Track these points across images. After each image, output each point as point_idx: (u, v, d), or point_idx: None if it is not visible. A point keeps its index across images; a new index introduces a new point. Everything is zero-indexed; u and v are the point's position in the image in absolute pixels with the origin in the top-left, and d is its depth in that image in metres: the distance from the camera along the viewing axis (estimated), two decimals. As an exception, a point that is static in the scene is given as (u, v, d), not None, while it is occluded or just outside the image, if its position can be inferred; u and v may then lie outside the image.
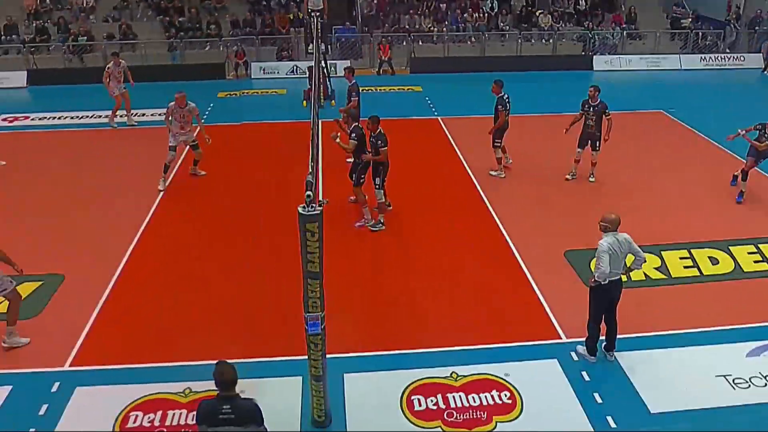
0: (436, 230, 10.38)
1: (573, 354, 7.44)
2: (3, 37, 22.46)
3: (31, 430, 6.33)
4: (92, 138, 15.25)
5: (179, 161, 12.99)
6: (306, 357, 5.98)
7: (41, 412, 6.55)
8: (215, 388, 5.02)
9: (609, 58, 22.78)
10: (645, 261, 7.18)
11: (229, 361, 6.61)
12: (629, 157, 13.42)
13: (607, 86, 20.15)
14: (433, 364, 7.21)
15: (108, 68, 15.91)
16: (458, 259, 9.55)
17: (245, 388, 6.75)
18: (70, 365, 7.29)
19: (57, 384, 6.95)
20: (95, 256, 9.55)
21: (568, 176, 12.26)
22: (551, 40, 23.36)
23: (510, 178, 12.49)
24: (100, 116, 16.71)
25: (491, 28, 23.80)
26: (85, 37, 22.19)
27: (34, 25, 22.82)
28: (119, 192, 11.83)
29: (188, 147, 12.52)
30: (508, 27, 23.93)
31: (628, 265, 7.07)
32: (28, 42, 22.01)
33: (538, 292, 8.67)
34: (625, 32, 23.48)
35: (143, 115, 16.71)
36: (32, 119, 16.72)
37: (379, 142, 10.01)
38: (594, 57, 22.71)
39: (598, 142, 11.80)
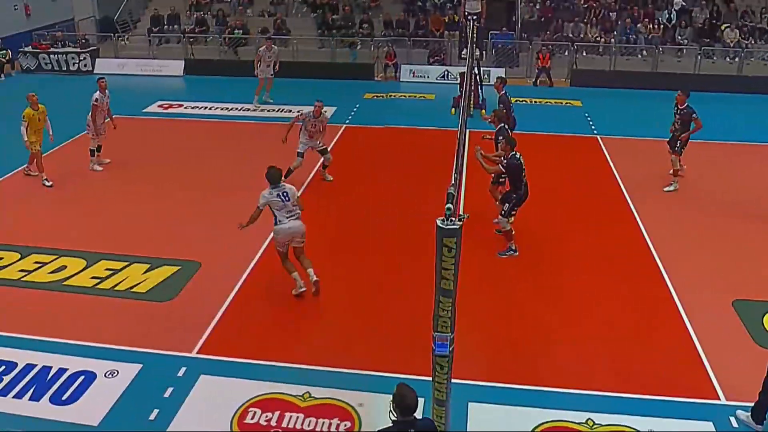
0: (583, 261, 10.00)
1: (732, 419, 6.86)
2: (165, 27, 24.67)
3: (155, 410, 6.86)
4: (240, 129, 16.33)
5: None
6: (430, 378, 5.98)
7: (166, 395, 7.07)
8: (398, 414, 5.03)
9: (805, 82, 20.87)
10: None
11: (351, 371, 6.78)
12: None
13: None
14: (567, 407, 6.93)
15: (259, 51, 17.14)
16: (606, 295, 9.14)
17: (364, 400, 6.96)
18: (198, 352, 7.81)
19: (183, 369, 7.48)
20: (232, 246, 10.17)
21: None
22: (737, 59, 21.79)
23: (679, 208, 11.79)
24: (248, 109, 17.85)
25: (666, 41, 22.63)
26: (241, 30, 23.80)
27: (195, 16, 24.86)
28: (260, 184, 12.49)
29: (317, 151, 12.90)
30: (686, 41, 22.65)
31: None
32: (188, 32, 23.99)
33: (697, 343, 8.08)
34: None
35: (290, 111, 17.60)
36: (185, 107, 18.22)
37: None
38: (789, 80, 20.92)
39: (676, 141, 12.49)
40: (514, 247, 10.12)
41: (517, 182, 9.83)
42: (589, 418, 6.79)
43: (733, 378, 7.42)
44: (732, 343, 8.11)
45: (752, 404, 6.78)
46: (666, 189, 12.62)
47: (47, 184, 12.60)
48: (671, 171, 12.67)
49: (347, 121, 16.60)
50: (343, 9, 24.54)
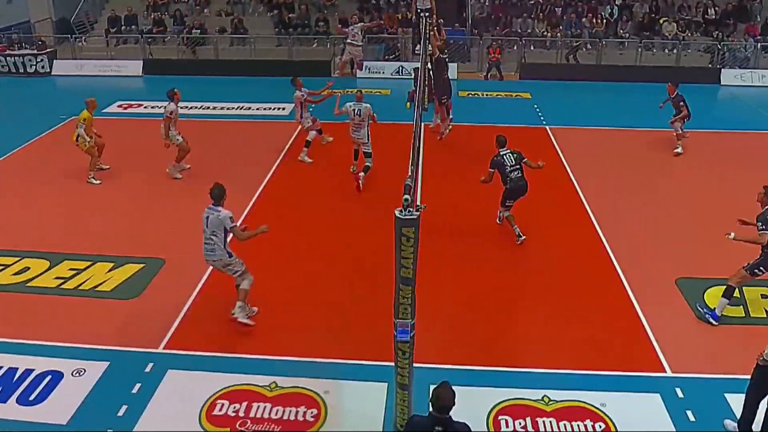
0: (536, 245, 10.14)
1: (678, 390, 7.06)
2: (123, 28, 24.12)
3: (123, 406, 6.73)
4: (200, 127, 16.04)
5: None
6: (393, 364, 6.01)
7: (134, 391, 6.95)
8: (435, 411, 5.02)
9: (740, 72, 21.47)
10: None
11: (317, 360, 6.78)
12: (754, 182, 12.56)
13: (736, 103, 19.24)
14: (524, 385, 7.05)
15: None
16: (559, 278, 9.30)
17: (329, 388, 6.95)
18: (164, 348, 7.70)
19: (151, 365, 7.35)
20: (196, 242, 9.96)
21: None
22: (675, 51, 22.31)
23: (622, 193, 12.04)
24: (208, 107, 17.57)
25: (609, 35, 23.04)
26: (199, 30, 23.42)
27: (152, 16, 24.36)
28: (222, 181, 12.33)
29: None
30: (628, 35, 23.08)
31: None
32: (146, 33, 23.51)
33: (644, 320, 8.29)
34: (759, 45, 22.05)
35: (249, 109, 17.42)
36: (145, 107, 17.83)
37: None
38: (723, 70, 21.49)
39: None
40: (518, 232, 10.21)
41: (503, 177, 10.10)
42: (545, 395, 6.91)
43: (677, 351, 7.64)
44: (676, 318, 8.34)
45: (697, 375, 6.97)
46: (675, 150, 14.13)
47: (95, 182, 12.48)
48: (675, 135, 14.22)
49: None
50: (299, 8, 24.33)
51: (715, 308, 8.25)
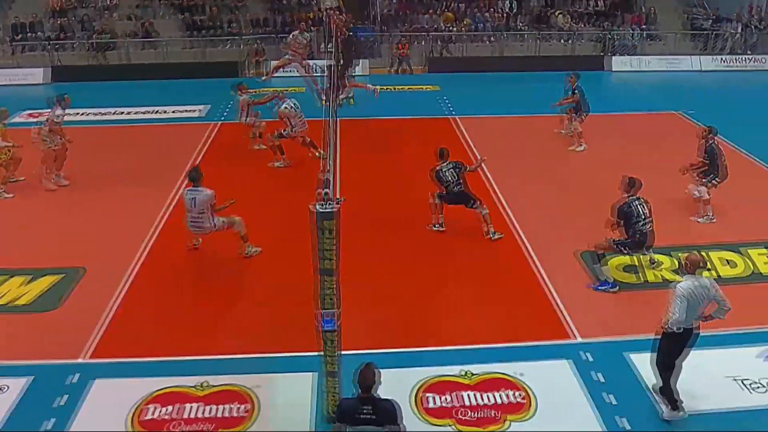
0: (449, 230, 10.34)
1: (586, 354, 7.39)
2: (28, 34, 22.80)
3: (51, 419, 6.42)
4: (112, 134, 15.42)
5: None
6: (318, 353, 6.00)
7: (60, 403, 6.63)
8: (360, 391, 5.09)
9: (627, 59, 22.60)
10: (730, 309, 6.27)
11: (247, 356, 6.70)
12: (642, 159, 13.30)
13: (625, 87, 20.24)
14: (446, 362, 7.20)
15: None
16: (473, 259, 9.53)
17: (260, 382, 6.88)
18: (89, 357, 7.38)
19: (77, 375, 7.02)
20: (117, 247, 9.67)
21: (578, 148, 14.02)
22: (569, 41, 23.19)
23: (524, 177, 12.44)
24: (121, 112, 16.89)
25: (509, 27, 23.69)
26: (108, 35, 22.45)
27: (58, 22, 23.14)
28: (138, 185, 11.95)
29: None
30: (525, 27, 23.80)
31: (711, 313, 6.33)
32: (52, 39, 22.31)
33: (550, 291, 8.63)
34: (643, 33, 23.24)
35: (164, 112, 16.86)
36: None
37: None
38: (612, 58, 22.54)
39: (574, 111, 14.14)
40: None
41: (445, 189, 9.94)
42: (466, 370, 7.09)
43: (583, 318, 8.01)
44: (580, 288, 8.73)
45: (602, 339, 7.32)
46: (578, 149, 13.96)
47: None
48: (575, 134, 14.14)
49: (222, 118, 16.12)
50: (209, 9, 23.71)
51: (604, 280, 8.70)
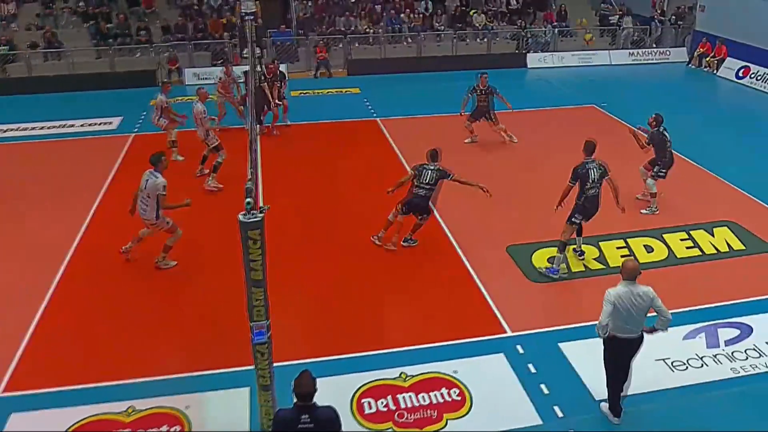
0: (375, 230, 10.38)
1: (518, 347, 7.60)
2: None
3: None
4: (16, 151, 14.63)
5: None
6: (252, 367, 5.90)
7: (-26, 442, 6.26)
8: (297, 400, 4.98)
9: (542, 55, 23.35)
10: (670, 320, 6.14)
11: (174, 376, 6.49)
12: (563, 152, 13.77)
13: (541, 83, 20.92)
14: (381, 366, 7.24)
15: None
16: (400, 259, 9.62)
17: (190, 403, 6.69)
18: (3, 391, 6.98)
19: (-9, 411, 6.64)
20: (28, 272, 9.20)
21: (467, 141, 14.52)
22: (486, 39, 23.77)
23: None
24: (25, 128, 16.06)
25: (427, 28, 24.04)
26: (7, 47, 21.30)
27: (-48, 34, 21.77)
28: (50, 206, 11.40)
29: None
30: (443, 27, 24.22)
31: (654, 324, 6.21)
32: (-56, 53, 20.98)
33: (481, 287, 8.82)
34: (556, 30, 24.11)
35: (72, 126, 16.14)
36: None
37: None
38: (528, 55, 23.24)
39: (489, 114, 14.34)
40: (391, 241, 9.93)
41: (412, 188, 9.75)
42: (402, 372, 7.15)
43: (514, 312, 8.24)
44: (510, 282, 8.96)
45: (533, 331, 7.52)
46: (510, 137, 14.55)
47: None
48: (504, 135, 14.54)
49: (135, 130, 15.59)
50: (117, 17, 22.86)
51: (553, 265, 9.05)
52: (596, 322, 6.12)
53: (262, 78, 14.79)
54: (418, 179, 9.68)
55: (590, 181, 8.86)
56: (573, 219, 9.03)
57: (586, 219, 9.17)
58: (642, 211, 10.95)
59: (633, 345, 6.17)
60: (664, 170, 10.99)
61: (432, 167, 9.73)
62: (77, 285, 9.02)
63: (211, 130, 12.26)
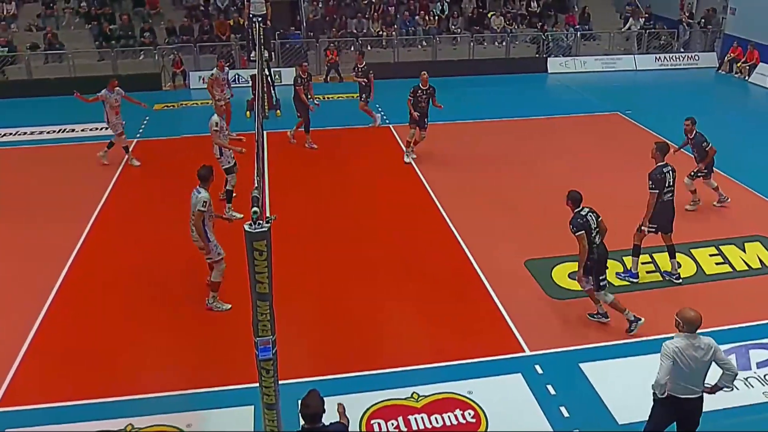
0: (390, 244, 10.40)
1: (537, 367, 7.55)
2: None
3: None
4: (15, 156, 14.81)
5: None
6: (257, 384, 5.90)
7: (-34, 460, 6.31)
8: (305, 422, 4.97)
9: (563, 59, 23.36)
10: (736, 375, 5.67)
11: (176, 393, 6.49)
12: (585, 161, 13.77)
13: (562, 89, 20.92)
14: (392, 385, 7.22)
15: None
16: (414, 274, 9.61)
17: (192, 421, 6.70)
18: (-2, 406, 7.04)
19: (-17, 427, 6.70)
20: (24, 285, 9.27)
21: (406, 159, 14.02)
22: (504, 43, 23.82)
23: (467, 186, 12.64)
24: (24, 133, 16.26)
25: (442, 31, 24.13)
26: (6, 48, 21.60)
27: (-51, 35, 22.12)
28: (50, 213, 11.52)
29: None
30: (459, 30, 24.30)
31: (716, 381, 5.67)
32: (-58, 54, 21.30)
33: (498, 303, 8.78)
34: (578, 33, 24.11)
35: (72, 131, 16.33)
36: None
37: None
38: (548, 59, 23.26)
39: (425, 119, 13.82)
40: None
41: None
42: (414, 392, 7.12)
43: (532, 330, 8.19)
44: (528, 299, 8.92)
45: (553, 350, 7.50)
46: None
47: None
48: None
49: (138, 136, 15.74)
50: (120, 18, 23.14)
51: (630, 268, 9.29)
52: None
53: (297, 80, 14.70)
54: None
55: (666, 185, 8.91)
56: (650, 228, 9.09)
57: (661, 228, 9.16)
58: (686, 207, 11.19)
59: (693, 406, 5.65)
60: (704, 170, 11.27)
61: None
62: (76, 296, 9.09)
63: (225, 147, 11.01)
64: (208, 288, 8.72)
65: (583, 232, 7.82)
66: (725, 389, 5.77)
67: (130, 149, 13.90)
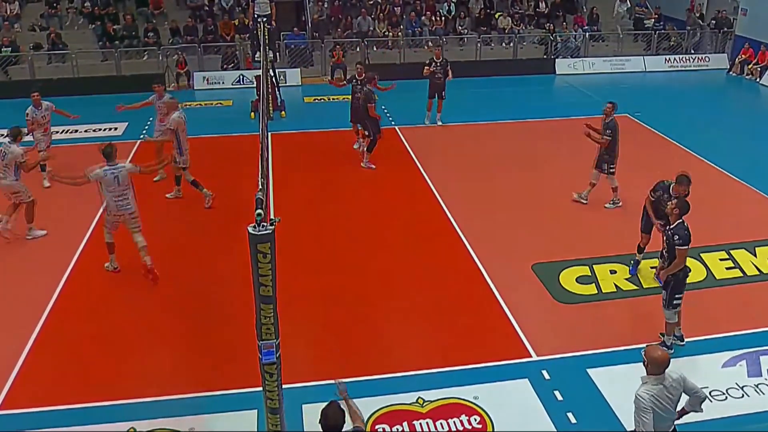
0: (396, 247, 10.41)
1: (544, 372, 7.54)
2: None
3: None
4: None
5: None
6: (260, 388, 5.92)
7: (-33, 463, 6.34)
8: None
9: (572, 61, 23.32)
10: (705, 398, 5.58)
11: (179, 396, 6.50)
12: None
13: (570, 90, 20.90)
14: (397, 390, 7.22)
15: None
16: (421, 278, 9.61)
17: (194, 425, 6.72)
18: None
19: (-16, 430, 6.73)
20: (25, 287, 9.32)
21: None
22: (512, 44, 23.81)
23: (473, 188, 12.65)
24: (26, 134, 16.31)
25: (449, 31, 24.14)
26: (9, 48, 21.72)
27: (-48, 35, 22.25)
28: (51, 215, 11.55)
29: None
30: (466, 30, 24.31)
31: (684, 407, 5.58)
32: (-55, 54, 21.44)
33: (506, 309, 8.78)
34: (587, 34, 24.08)
35: (75, 132, 16.40)
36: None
37: None
38: (557, 60, 23.23)
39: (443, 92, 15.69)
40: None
41: None
42: (419, 397, 7.12)
43: (540, 335, 8.18)
44: (535, 303, 8.92)
45: (560, 355, 7.49)
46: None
47: None
48: None
49: (142, 136, 15.79)
50: (124, 18, 23.24)
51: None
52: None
53: (356, 85, 14.45)
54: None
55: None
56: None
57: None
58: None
59: None
60: (613, 166, 11.44)
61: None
62: (77, 299, 9.12)
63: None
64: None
65: (687, 247, 7.39)
66: (696, 411, 5.61)
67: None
